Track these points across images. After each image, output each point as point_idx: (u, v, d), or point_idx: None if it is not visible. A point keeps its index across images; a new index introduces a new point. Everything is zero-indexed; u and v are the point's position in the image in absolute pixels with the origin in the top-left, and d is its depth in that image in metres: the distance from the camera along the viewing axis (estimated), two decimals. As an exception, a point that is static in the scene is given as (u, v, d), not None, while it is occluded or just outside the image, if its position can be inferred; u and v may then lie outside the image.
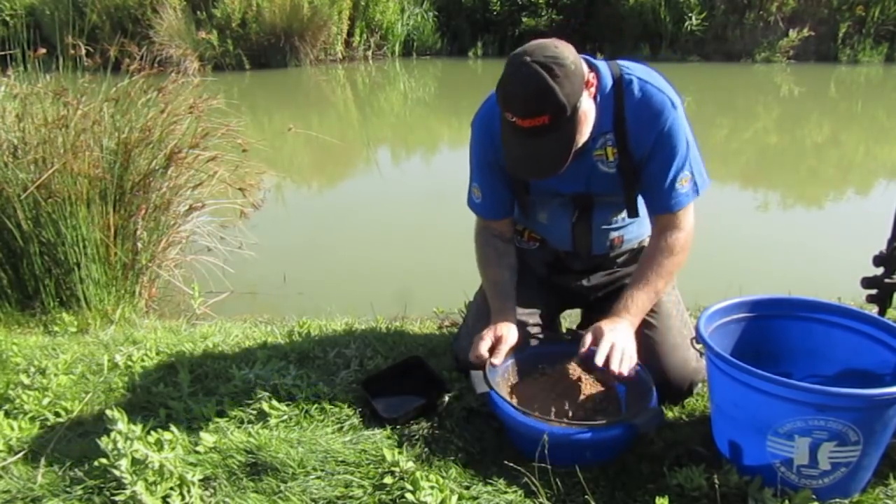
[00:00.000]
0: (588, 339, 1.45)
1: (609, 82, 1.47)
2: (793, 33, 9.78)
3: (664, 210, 1.53)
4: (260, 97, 9.05)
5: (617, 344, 1.41)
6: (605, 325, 1.45)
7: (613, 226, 1.65)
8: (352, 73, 10.65)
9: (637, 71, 1.49)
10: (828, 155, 5.77)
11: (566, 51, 1.35)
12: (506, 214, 1.70)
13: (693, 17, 10.16)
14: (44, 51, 2.78)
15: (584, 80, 1.37)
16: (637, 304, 1.50)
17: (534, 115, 1.33)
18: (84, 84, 2.77)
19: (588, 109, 1.40)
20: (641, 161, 1.51)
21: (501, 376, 1.55)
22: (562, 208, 1.64)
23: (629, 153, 1.50)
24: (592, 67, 1.46)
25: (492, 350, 1.52)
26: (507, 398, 1.47)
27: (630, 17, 10.79)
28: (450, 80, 10.59)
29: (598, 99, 1.46)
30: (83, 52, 2.80)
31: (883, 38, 9.77)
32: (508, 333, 1.55)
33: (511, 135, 1.41)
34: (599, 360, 1.38)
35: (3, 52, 2.94)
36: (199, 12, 10.31)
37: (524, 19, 11.40)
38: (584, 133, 1.42)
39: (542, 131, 1.35)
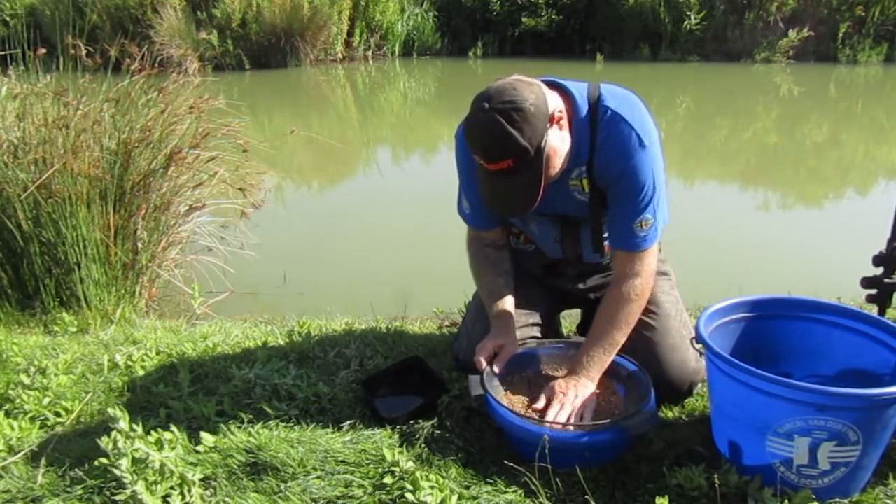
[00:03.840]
0: (544, 396, 1.48)
1: (584, 108, 1.43)
2: (792, 33, 9.79)
3: (620, 247, 1.51)
4: (260, 97, 9.05)
5: (566, 404, 1.45)
6: (562, 384, 1.48)
7: (602, 235, 1.63)
8: (352, 73, 10.66)
9: (614, 100, 1.43)
10: (828, 155, 5.77)
11: (525, 91, 1.33)
12: (496, 224, 1.69)
13: (693, 17, 10.17)
14: (44, 51, 2.78)
15: (549, 118, 1.34)
16: (594, 360, 1.51)
17: (497, 160, 1.34)
18: (84, 84, 2.77)
19: (557, 144, 1.38)
20: (607, 193, 1.49)
21: (501, 380, 1.55)
22: (549, 223, 1.64)
23: (596, 185, 1.49)
24: (566, 95, 1.44)
25: (492, 358, 1.53)
26: (505, 401, 1.47)
27: (630, 18, 10.80)
28: (450, 80, 10.59)
29: (574, 126, 1.43)
30: (83, 52, 2.80)
31: (882, 39, 9.78)
32: (508, 340, 1.55)
33: (482, 174, 1.42)
34: (550, 417, 1.42)
35: (3, 52, 2.94)
36: (199, 12, 10.33)
37: (524, 19, 11.42)
38: (556, 166, 1.40)
39: (508, 173, 1.35)
